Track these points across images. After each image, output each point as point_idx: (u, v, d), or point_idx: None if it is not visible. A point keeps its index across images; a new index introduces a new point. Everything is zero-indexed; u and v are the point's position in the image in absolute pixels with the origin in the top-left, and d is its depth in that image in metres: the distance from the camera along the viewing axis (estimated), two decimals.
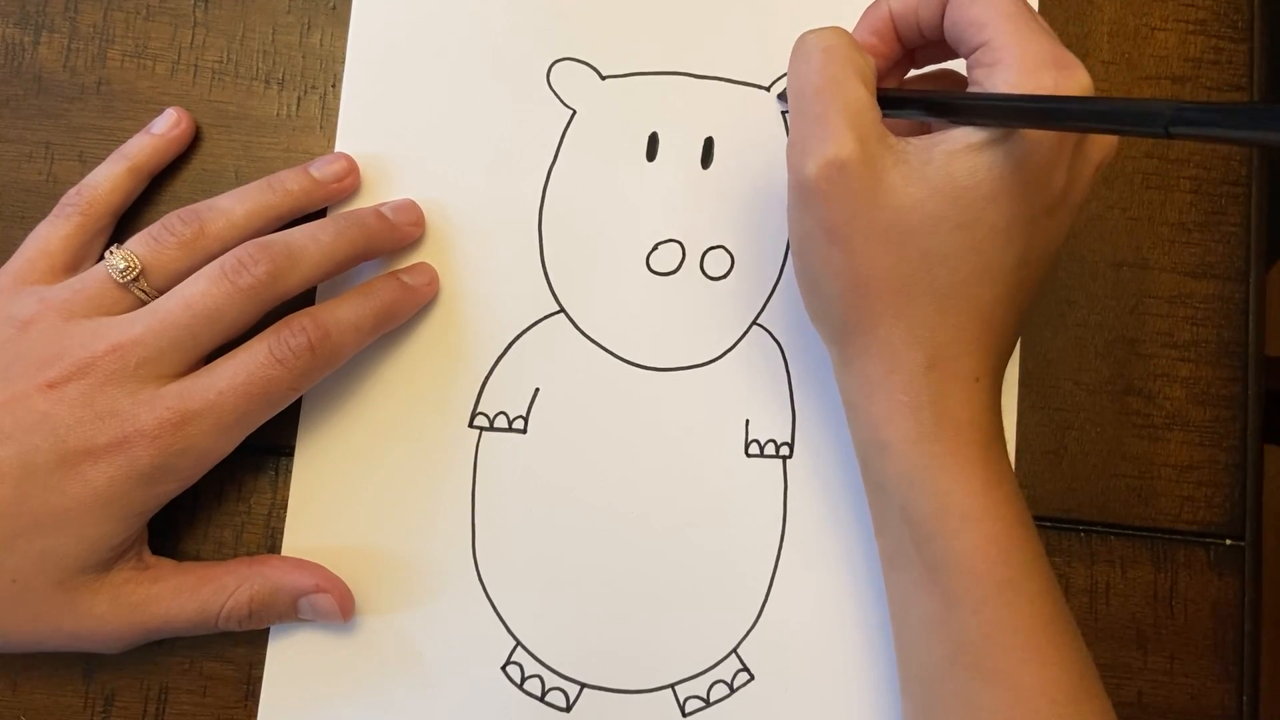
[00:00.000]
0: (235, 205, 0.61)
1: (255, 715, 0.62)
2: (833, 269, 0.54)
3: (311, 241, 0.60)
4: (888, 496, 0.56)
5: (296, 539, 0.63)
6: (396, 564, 0.63)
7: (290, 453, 0.64)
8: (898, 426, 0.55)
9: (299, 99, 0.66)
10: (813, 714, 0.63)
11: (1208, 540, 0.66)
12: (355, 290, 0.62)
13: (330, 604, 0.61)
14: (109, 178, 0.63)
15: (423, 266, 0.65)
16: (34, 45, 0.66)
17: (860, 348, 0.56)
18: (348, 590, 0.62)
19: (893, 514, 0.56)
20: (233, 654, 0.63)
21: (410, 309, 0.64)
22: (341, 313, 0.60)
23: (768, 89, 0.66)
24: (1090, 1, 0.69)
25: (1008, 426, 0.65)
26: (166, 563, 0.61)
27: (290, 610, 0.61)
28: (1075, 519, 0.65)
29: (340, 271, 0.62)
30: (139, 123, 0.66)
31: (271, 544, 0.64)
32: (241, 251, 0.58)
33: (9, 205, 0.65)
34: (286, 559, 0.62)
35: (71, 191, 0.63)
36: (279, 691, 0.62)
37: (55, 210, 0.62)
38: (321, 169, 0.64)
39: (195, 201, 0.64)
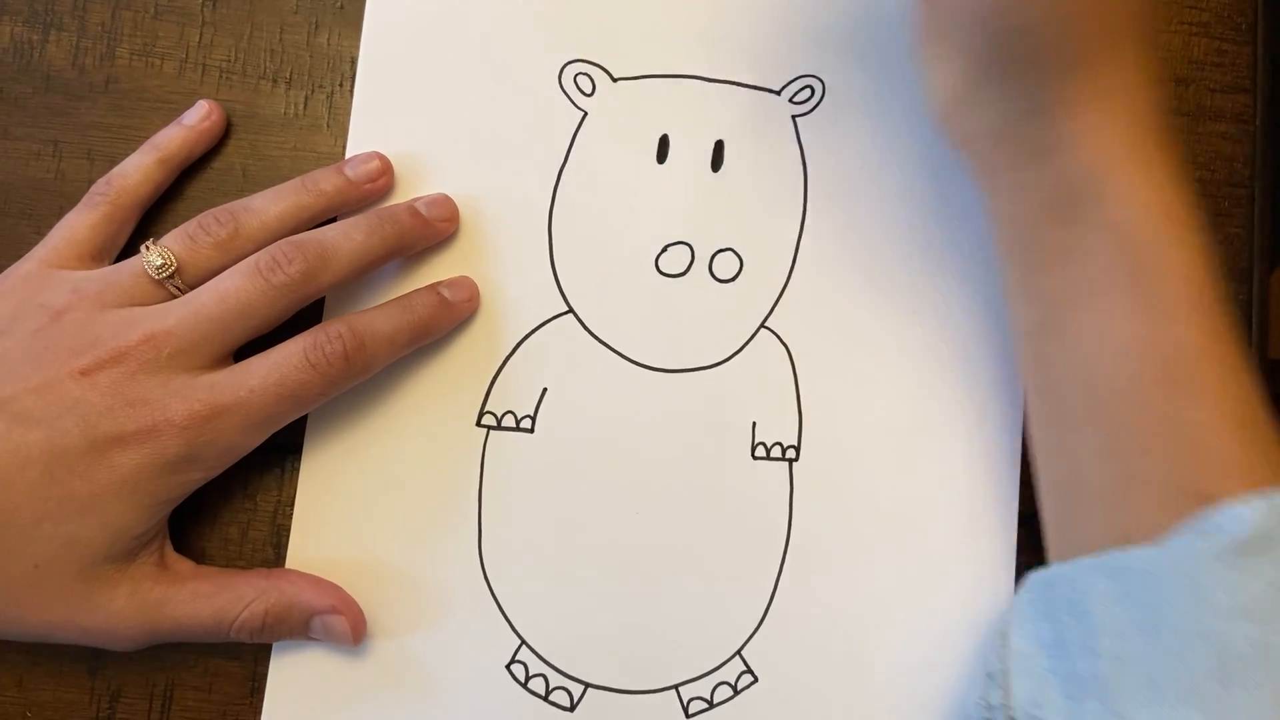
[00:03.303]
0: (270, 205, 0.61)
1: (261, 712, 0.62)
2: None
3: (345, 240, 0.60)
4: (1098, 228, 0.55)
5: (303, 536, 0.63)
6: (402, 562, 0.63)
7: (297, 450, 0.64)
8: (1125, 154, 0.55)
9: (306, 98, 0.67)
10: (816, 717, 0.63)
11: None
12: (394, 302, 0.63)
13: (343, 626, 0.61)
14: (139, 169, 0.64)
15: (464, 281, 0.65)
16: (42, 43, 0.66)
17: (1079, 87, 0.54)
18: (361, 614, 0.62)
19: (1097, 239, 0.55)
20: (238, 651, 0.63)
21: (448, 326, 0.64)
22: (379, 324, 0.61)
23: (778, 93, 0.67)
24: None
25: (1012, 430, 0.65)
26: (186, 564, 0.61)
27: (302, 628, 0.61)
28: None
29: (373, 269, 0.62)
30: (147, 121, 0.66)
31: (277, 541, 0.64)
32: (276, 249, 0.59)
33: (17, 202, 0.65)
34: (305, 576, 0.62)
35: (101, 181, 0.63)
36: (283, 688, 0.63)
37: (84, 199, 0.62)
38: (356, 169, 0.64)
39: (202, 198, 0.65)
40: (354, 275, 0.61)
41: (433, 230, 0.64)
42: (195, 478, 0.58)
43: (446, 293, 0.64)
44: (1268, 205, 0.68)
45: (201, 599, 0.59)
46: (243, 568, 0.63)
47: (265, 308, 0.58)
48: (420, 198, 0.65)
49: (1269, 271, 0.69)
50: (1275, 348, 0.67)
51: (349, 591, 0.62)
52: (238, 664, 0.63)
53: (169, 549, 0.61)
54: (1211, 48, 0.69)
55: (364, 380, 0.61)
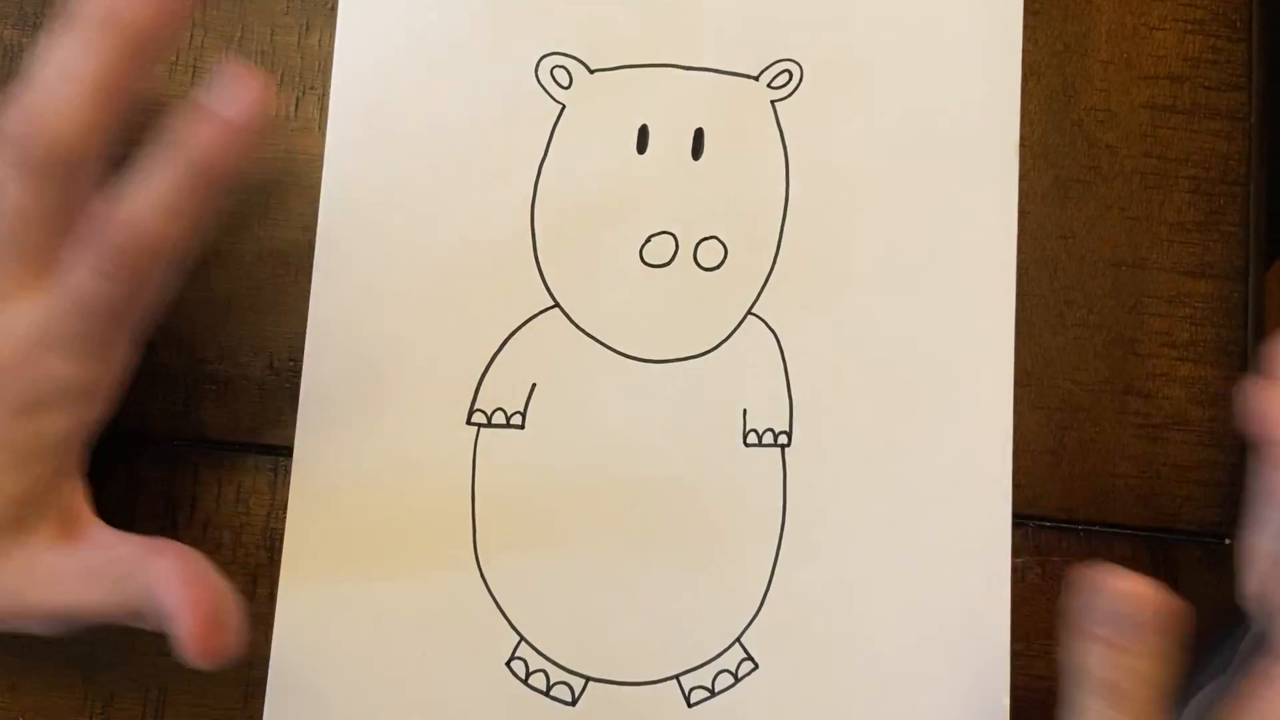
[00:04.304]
0: None
1: (254, 716, 0.62)
2: None
3: (53, 70, 0.49)
4: None
5: (297, 540, 0.63)
6: (398, 563, 0.63)
7: (289, 453, 0.64)
8: None
9: (297, 100, 0.66)
10: (818, 700, 0.63)
11: (1207, 540, 0.66)
12: (157, 152, 0.50)
13: (185, 637, 0.50)
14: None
15: (235, 76, 0.49)
16: (32, 46, 0.66)
17: None
18: (218, 636, 0.51)
19: None
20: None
21: (239, 151, 0.50)
22: (146, 195, 0.49)
23: (756, 79, 0.67)
24: (1088, 0, 0.69)
25: (1005, 427, 0.65)
26: (93, 534, 0.55)
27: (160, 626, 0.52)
28: (1074, 519, 0.65)
29: (127, 95, 0.50)
30: (138, 124, 0.66)
31: (270, 545, 0.64)
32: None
33: None
34: (184, 571, 0.51)
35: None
36: (282, 691, 0.62)
37: None
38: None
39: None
40: (103, 109, 0.48)
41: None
42: (60, 425, 0.53)
43: (216, 107, 0.49)
44: (1263, 203, 0.68)
45: (91, 577, 0.53)
46: (235, 570, 0.63)
47: (28, 198, 0.50)
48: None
49: (1265, 269, 0.68)
50: None
51: (349, 594, 0.62)
52: (231, 668, 0.62)
53: (77, 516, 0.56)
54: (1206, 45, 0.69)
55: (188, 263, 0.53)
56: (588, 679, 0.63)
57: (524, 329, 0.65)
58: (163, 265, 0.51)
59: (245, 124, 0.49)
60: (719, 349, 0.65)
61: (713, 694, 0.63)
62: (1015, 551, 0.64)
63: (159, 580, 0.51)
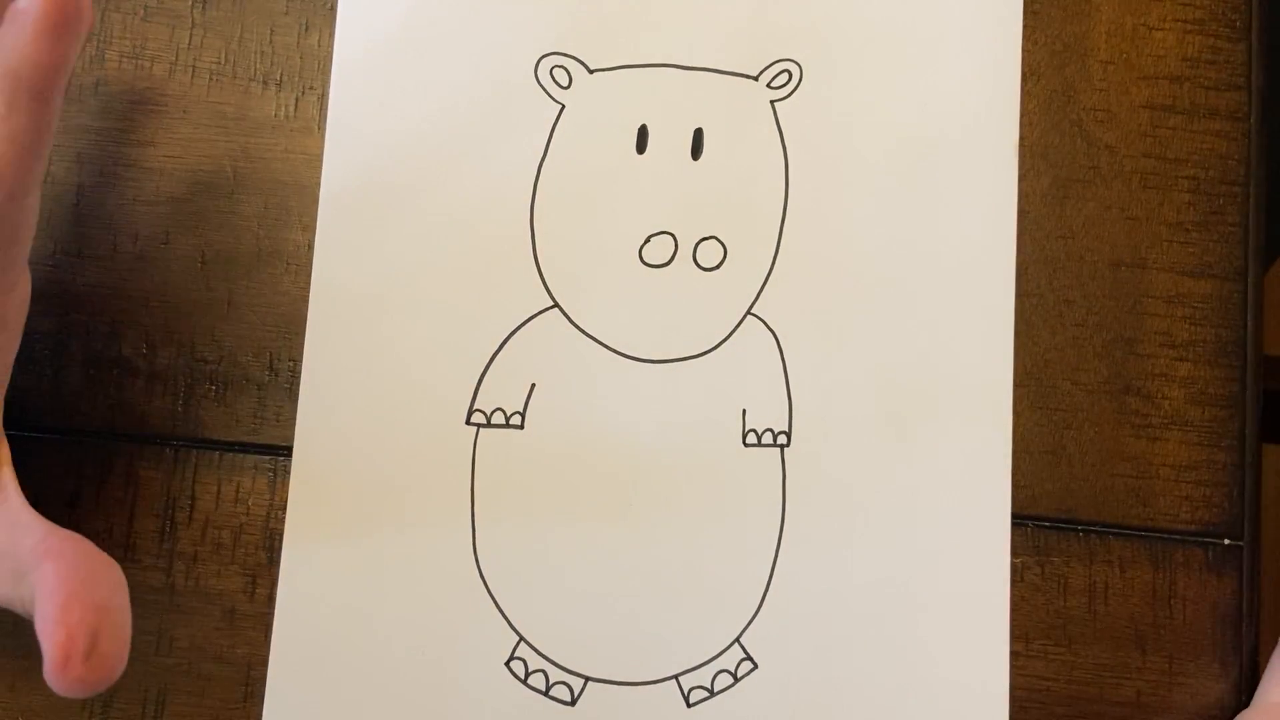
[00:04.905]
0: None
1: (254, 716, 0.62)
2: None
3: None
4: None
5: (296, 540, 0.63)
6: (397, 562, 0.63)
7: (288, 453, 0.64)
8: None
9: (297, 100, 0.66)
10: (818, 700, 0.63)
11: (1206, 540, 0.66)
12: None
13: (45, 664, 0.44)
14: None
15: None
16: None
17: None
18: (83, 660, 0.43)
19: None
20: (231, 655, 0.63)
21: (64, 47, 0.45)
22: None
23: (755, 79, 0.67)
24: (1088, 1, 0.69)
25: (1004, 427, 0.65)
26: (6, 509, 0.51)
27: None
28: (1073, 519, 0.65)
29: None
30: (137, 124, 0.66)
31: (270, 545, 0.63)
32: None
33: None
34: (71, 582, 0.45)
35: None
36: (282, 691, 0.62)
37: None
38: None
39: (191, 200, 0.64)
40: None
41: None
42: None
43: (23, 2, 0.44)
44: (1262, 202, 0.68)
45: None
46: (235, 570, 0.63)
47: None
48: None
49: (1264, 269, 0.68)
50: (1271, 345, 0.67)
51: (348, 594, 0.62)
52: (231, 668, 0.63)
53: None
54: (1205, 45, 0.69)
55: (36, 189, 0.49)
56: (587, 679, 0.63)
57: (523, 329, 0.65)
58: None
59: (68, 15, 0.44)
60: (719, 349, 0.65)
61: (712, 694, 0.63)
62: (1015, 551, 0.64)
63: (39, 589, 0.45)
